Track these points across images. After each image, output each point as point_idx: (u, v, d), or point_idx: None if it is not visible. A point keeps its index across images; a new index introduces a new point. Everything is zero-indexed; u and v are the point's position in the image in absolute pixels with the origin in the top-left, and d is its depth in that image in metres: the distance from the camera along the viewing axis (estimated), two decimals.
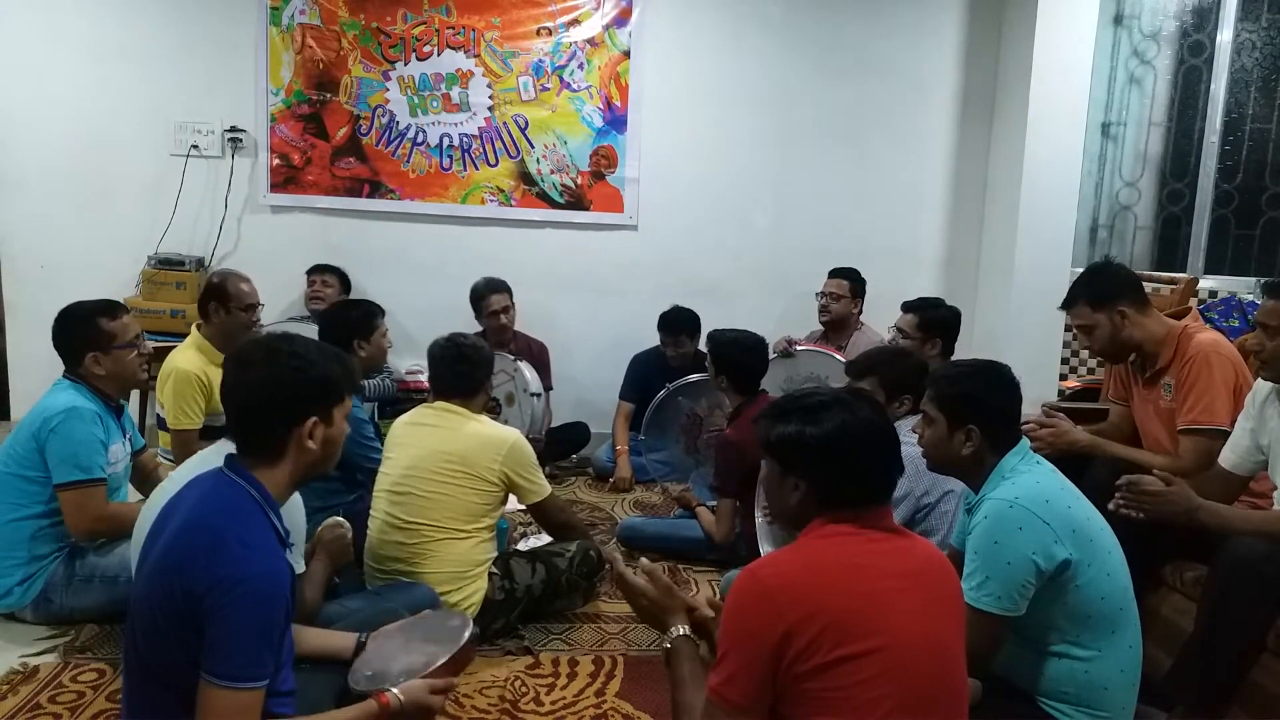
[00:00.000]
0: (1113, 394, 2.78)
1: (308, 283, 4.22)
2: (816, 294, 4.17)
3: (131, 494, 2.75)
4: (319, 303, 4.12)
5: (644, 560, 1.61)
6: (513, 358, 3.95)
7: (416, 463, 2.48)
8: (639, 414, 4.17)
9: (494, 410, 3.84)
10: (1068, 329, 4.48)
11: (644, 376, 4.23)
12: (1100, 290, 2.48)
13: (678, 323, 4.12)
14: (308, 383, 1.53)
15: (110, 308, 2.57)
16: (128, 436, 2.67)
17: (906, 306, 3.32)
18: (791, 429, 1.41)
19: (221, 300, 3.11)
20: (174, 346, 3.25)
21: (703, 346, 3.67)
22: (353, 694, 1.66)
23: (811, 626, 1.25)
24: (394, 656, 1.81)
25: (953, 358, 3.26)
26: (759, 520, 2.78)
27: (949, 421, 1.83)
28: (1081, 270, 2.71)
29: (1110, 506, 1.92)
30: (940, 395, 1.86)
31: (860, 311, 4.17)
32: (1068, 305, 2.56)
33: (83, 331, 2.51)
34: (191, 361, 3.04)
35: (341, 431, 1.60)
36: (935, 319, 3.23)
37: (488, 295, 4.09)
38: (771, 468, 1.48)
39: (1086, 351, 4.55)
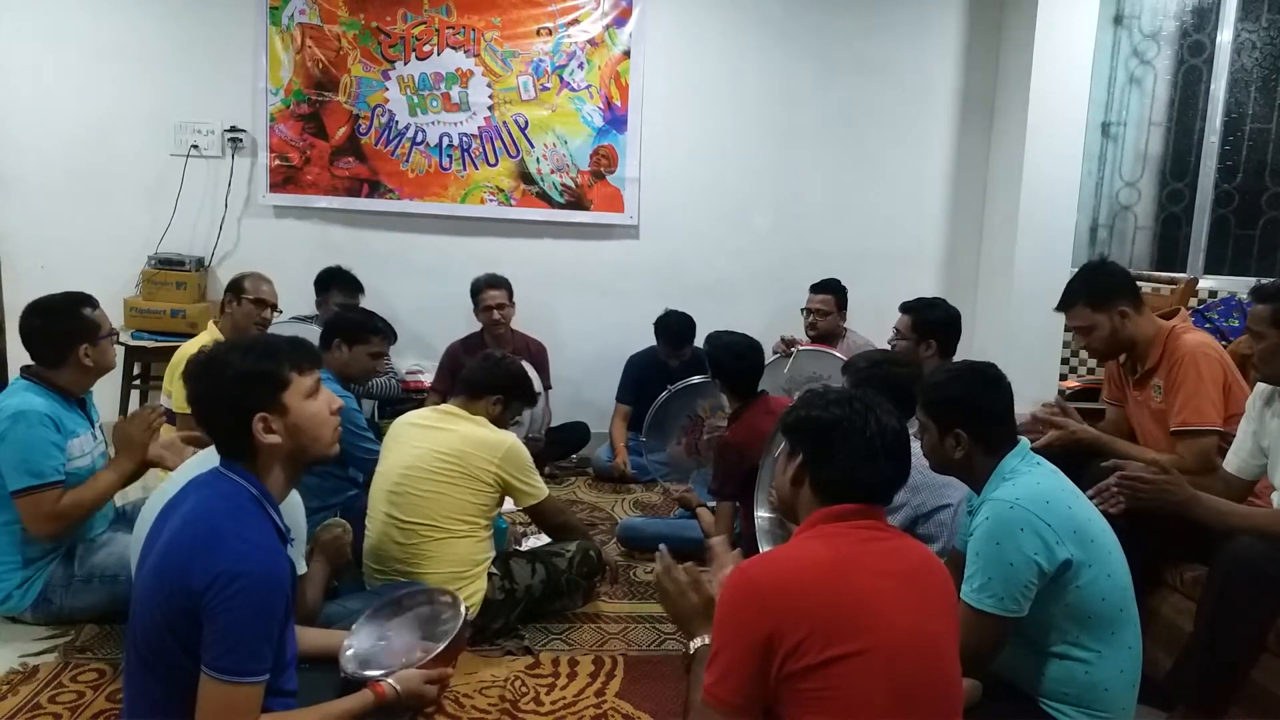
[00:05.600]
0: (1107, 395, 2.78)
1: (331, 299, 4.04)
2: (802, 309, 4.16)
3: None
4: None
5: (691, 566, 1.60)
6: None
7: (414, 462, 2.48)
8: (636, 414, 4.18)
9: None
10: (1068, 329, 4.48)
11: (641, 378, 4.24)
12: (1101, 291, 2.49)
13: (680, 334, 4.11)
14: (230, 386, 1.50)
15: (87, 298, 2.53)
16: (98, 425, 2.63)
17: (904, 307, 3.29)
18: (803, 410, 1.47)
19: (236, 292, 3.37)
20: (173, 346, 3.34)
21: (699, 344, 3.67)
22: (350, 688, 1.66)
23: (801, 626, 1.25)
24: (384, 640, 1.80)
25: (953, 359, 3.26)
26: (759, 522, 2.78)
27: (937, 427, 1.84)
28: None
29: (1089, 493, 1.91)
30: (927, 401, 1.87)
31: (845, 320, 4.17)
32: (1065, 306, 2.56)
33: (71, 324, 2.45)
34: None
35: (310, 413, 1.55)
36: (930, 321, 3.19)
37: (485, 290, 4.09)
38: (784, 451, 1.51)
39: (1086, 351, 4.55)
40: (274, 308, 3.46)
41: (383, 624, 1.87)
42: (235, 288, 3.39)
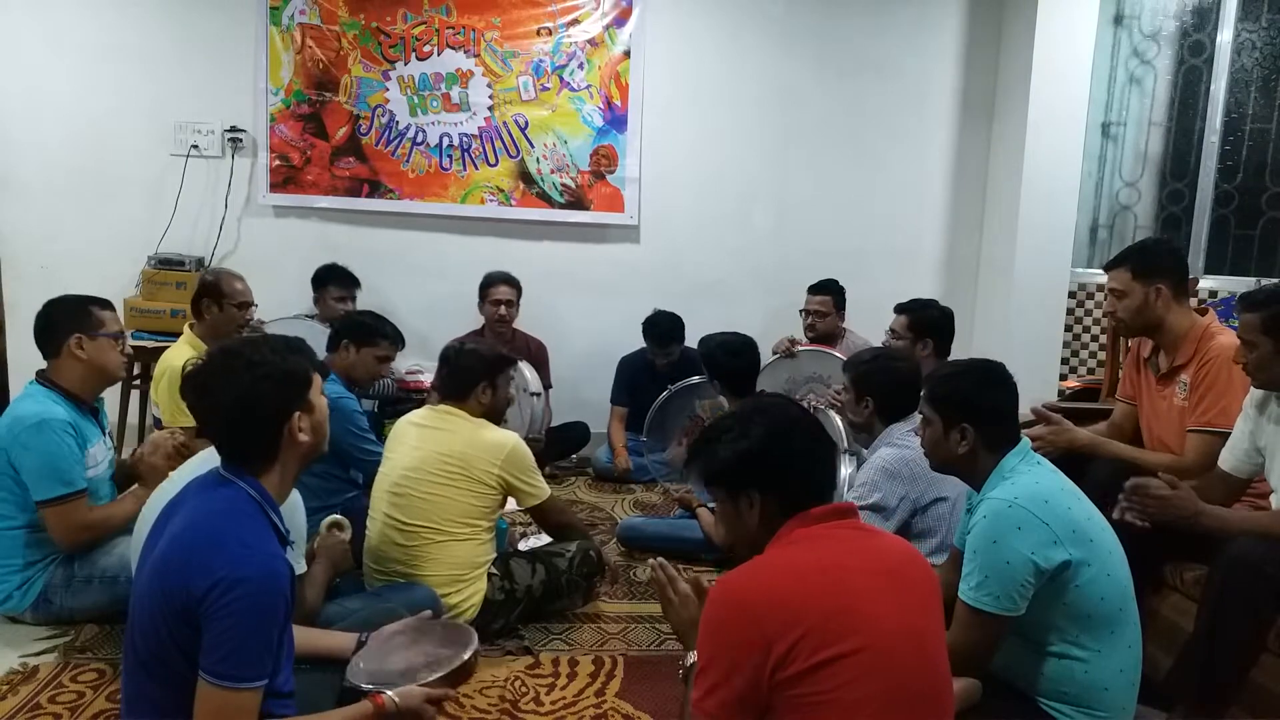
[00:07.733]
0: (1121, 392, 2.77)
1: (328, 294, 4.05)
2: (801, 310, 4.16)
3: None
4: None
5: (694, 574, 1.61)
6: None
7: (416, 464, 2.48)
8: (633, 415, 4.18)
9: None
10: (1068, 329, 4.49)
11: (633, 379, 4.25)
12: (1148, 263, 2.49)
13: (667, 334, 4.10)
14: (278, 384, 1.50)
15: (102, 301, 2.55)
16: (108, 433, 2.63)
17: (899, 308, 3.36)
18: (725, 452, 1.44)
19: (215, 296, 3.15)
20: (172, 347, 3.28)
21: (694, 344, 3.67)
22: (352, 694, 1.65)
23: (791, 633, 1.24)
24: (394, 656, 1.80)
25: (950, 358, 3.27)
26: None
27: (943, 421, 1.84)
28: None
29: (1115, 515, 1.91)
30: (934, 396, 1.88)
31: (844, 320, 4.16)
32: (1111, 266, 2.57)
33: (71, 314, 2.45)
34: (186, 359, 3.02)
35: (324, 409, 1.60)
36: (926, 320, 3.27)
37: (497, 284, 4.10)
38: (721, 500, 1.49)
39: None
40: (252, 304, 3.30)
41: (393, 640, 1.86)
42: (213, 292, 3.14)
